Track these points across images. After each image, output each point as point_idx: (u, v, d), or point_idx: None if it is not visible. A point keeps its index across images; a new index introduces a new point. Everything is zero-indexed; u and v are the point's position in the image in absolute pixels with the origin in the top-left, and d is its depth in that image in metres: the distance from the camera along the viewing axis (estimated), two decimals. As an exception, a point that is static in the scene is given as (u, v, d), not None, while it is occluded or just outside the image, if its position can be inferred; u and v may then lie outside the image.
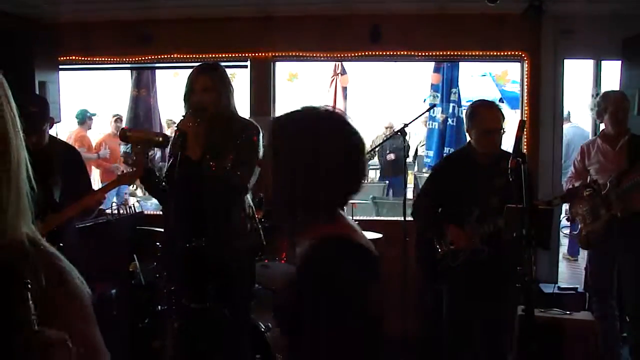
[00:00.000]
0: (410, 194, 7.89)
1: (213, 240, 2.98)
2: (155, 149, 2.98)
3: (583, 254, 7.26)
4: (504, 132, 3.47)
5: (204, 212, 3.02)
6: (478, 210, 3.41)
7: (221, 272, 3.01)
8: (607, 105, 4.02)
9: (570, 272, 6.15)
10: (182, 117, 3.05)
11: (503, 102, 9.24)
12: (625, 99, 4.06)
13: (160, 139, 3.00)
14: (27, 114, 3.10)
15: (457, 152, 4.10)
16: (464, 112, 6.11)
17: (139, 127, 6.74)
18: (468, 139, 3.59)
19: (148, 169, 3.03)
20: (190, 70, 3.15)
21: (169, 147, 3.07)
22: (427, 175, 8.02)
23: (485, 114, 3.45)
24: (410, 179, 8.83)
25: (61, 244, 2.77)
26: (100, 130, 8.84)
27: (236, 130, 3.07)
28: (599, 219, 3.92)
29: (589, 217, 4.00)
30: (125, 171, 4.38)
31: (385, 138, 7.81)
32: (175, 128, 3.12)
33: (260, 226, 3.27)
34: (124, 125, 7.07)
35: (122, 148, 7.41)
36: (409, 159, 9.56)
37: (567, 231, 6.84)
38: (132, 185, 6.80)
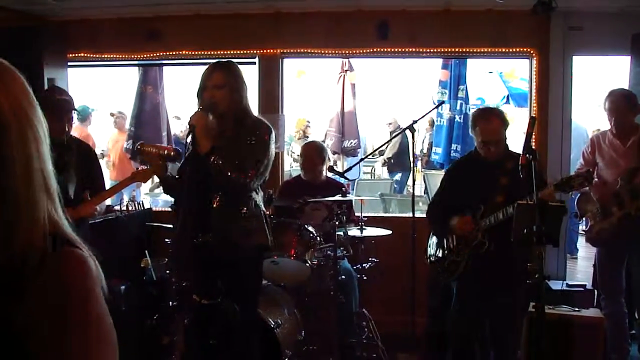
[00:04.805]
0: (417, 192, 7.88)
1: (219, 236, 2.99)
2: (168, 162, 3.06)
3: (582, 252, 7.25)
4: (505, 138, 3.57)
5: (211, 208, 3.03)
6: (483, 208, 3.52)
7: (229, 268, 3.01)
8: (607, 102, 4.03)
9: (569, 271, 6.07)
10: (193, 113, 3.06)
11: (509, 101, 9.18)
12: (623, 97, 4.01)
13: (172, 153, 3.07)
14: (55, 102, 3.12)
15: (465, 155, 4.20)
16: (471, 110, 6.10)
17: (144, 123, 6.71)
18: None
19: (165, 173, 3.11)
20: (199, 67, 3.17)
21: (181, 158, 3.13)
22: (434, 172, 8.05)
23: (484, 127, 3.56)
24: (419, 176, 8.79)
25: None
26: (99, 127, 8.64)
27: (248, 128, 3.08)
28: (611, 216, 3.90)
29: (600, 214, 3.98)
30: (139, 169, 4.41)
31: (394, 135, 7.80)
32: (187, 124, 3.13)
33: (268, 223, 3.27)
34: (127, 123, 7.04)
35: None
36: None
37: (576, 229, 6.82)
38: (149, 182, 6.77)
